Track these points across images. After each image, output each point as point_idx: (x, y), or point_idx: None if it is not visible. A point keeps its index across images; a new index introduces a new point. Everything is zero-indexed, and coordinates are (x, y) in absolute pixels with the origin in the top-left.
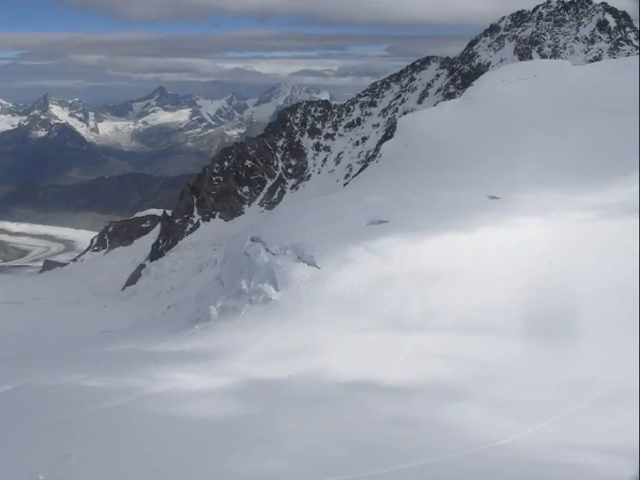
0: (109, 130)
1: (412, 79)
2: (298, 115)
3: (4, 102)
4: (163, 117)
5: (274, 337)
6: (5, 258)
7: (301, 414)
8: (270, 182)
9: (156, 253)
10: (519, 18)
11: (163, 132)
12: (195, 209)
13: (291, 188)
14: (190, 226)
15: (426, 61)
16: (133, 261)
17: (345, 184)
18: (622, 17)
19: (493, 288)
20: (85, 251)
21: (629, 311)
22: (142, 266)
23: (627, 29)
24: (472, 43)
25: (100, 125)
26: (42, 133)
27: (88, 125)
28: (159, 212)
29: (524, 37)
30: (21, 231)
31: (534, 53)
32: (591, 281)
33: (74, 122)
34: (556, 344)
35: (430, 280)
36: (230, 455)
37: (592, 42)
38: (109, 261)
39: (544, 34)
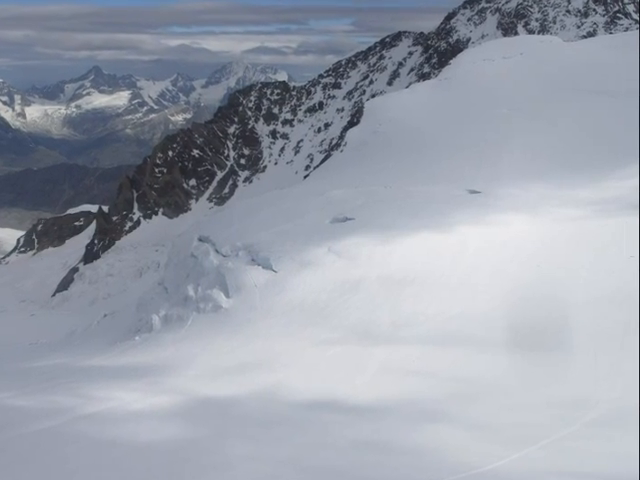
0: (38, 115)
1: (381, 57)
2: (252, 98)
3: None
4: (99, 100)
5: (225, 350)
6: None
7: (255, 437)
8: (220, 174)
9: (91, 255)
10: None
11: (99, 117)
12: (135, 205)
13: (244, 181)
14: (129, 224)
15: (397, 37)
16: (65, 264)
17: (305, 176)
18: None
19: (474, 294)
20: (10, 252)
21: (627, 320)
22: (75, 270)
23: (625, 0)
24: (449, 17)
25: (27, 109)
26: None
27: (14, 110)
28: (94, 208)
29: (508, 10)
30: None
31: (520, 28)
32: (585, 286)
33: None
34: (545, 358)
35: (402, 286)
36: None
37: (586, 15)
38: (38, 264)
39: (531, 6)
